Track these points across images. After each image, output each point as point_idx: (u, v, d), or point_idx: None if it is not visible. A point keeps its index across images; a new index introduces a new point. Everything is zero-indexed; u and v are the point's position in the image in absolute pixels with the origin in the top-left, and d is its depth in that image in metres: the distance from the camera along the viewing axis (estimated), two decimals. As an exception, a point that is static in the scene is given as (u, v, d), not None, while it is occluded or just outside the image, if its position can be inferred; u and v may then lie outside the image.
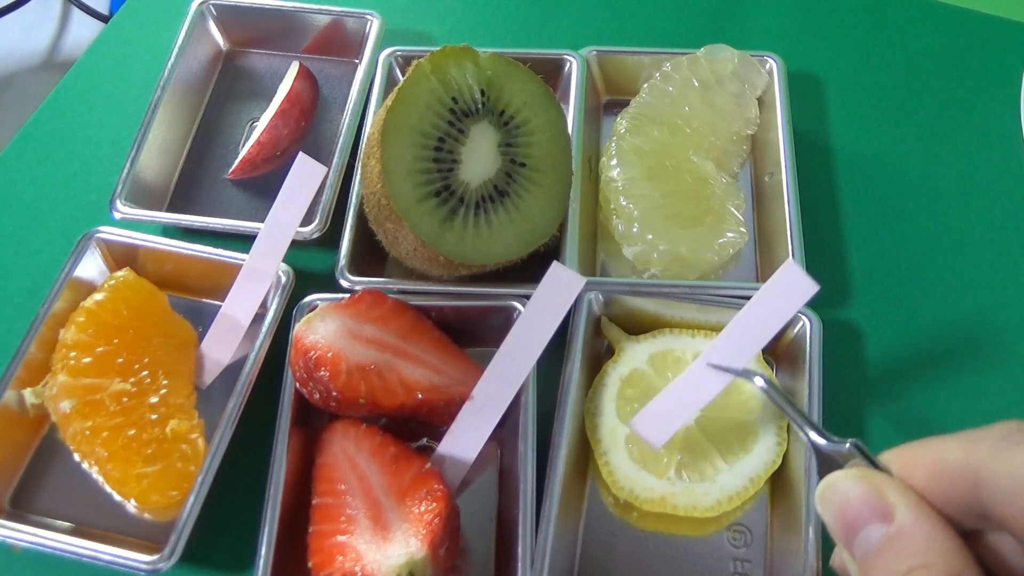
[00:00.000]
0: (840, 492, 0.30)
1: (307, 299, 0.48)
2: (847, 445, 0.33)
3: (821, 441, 0.34)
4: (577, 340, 0.46)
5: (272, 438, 0.44)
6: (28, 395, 0.46)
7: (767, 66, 0.58)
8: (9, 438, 0.46)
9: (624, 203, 0.51)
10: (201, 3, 0.62)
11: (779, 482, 0.44)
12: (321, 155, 0.51)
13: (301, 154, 0.46)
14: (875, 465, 0.31)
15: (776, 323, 0.41)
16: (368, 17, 0.61)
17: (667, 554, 0.43)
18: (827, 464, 0.33)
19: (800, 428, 0.36)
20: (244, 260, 0.48)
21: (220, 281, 0.50)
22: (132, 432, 0.44)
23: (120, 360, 0.46)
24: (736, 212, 0.52)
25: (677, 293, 0.48)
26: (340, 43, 0.63)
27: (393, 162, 0.44)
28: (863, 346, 0.50)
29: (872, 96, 0.61)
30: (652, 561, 0.43)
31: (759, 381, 0.41)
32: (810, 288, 0.40)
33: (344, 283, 0.49)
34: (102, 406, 0.44)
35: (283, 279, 0.49)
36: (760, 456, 0.44)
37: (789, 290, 0.40)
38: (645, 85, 0.57)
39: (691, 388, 0.43)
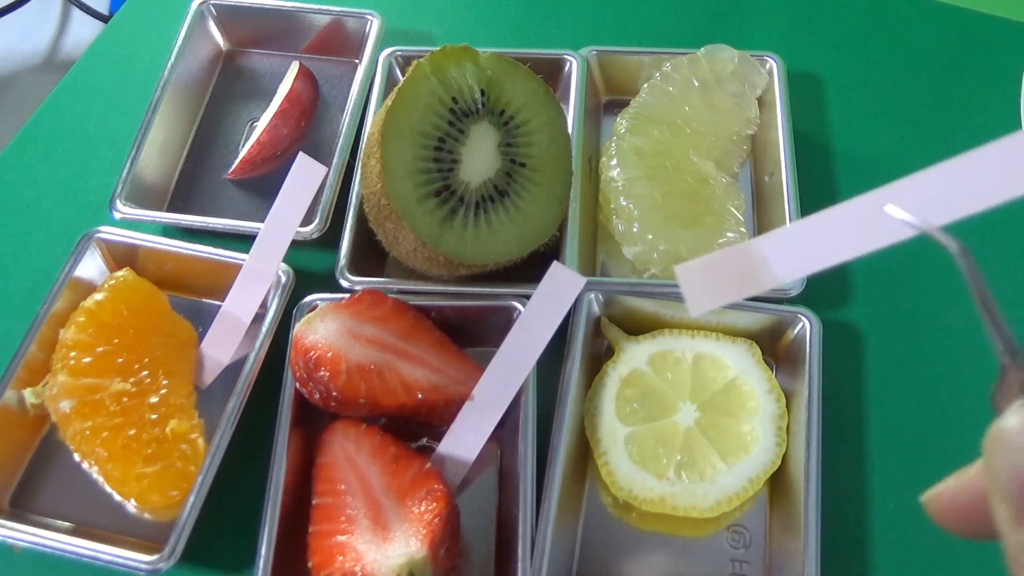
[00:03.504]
0: (1012, 448, 0.20)
1: (307, 299, 0.48)
2: None
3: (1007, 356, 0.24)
4: (577, 340, 0.46)
5: (272, 438, 0.44)
6: (28, 395, 0.46)
7: (767, 66, 0.58)
8: (9, 438, 0.46)
9: (624, 203, 0.51)
10: (201, 3, 0.62)
11: (778, 483, 0.44)
12: (321, 155, 0.51)
13: (301, 154, 0.46)
14: None
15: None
16: (368, 17, 0.61)
17: (666, 554, 0.43)
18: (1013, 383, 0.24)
19: (988, 332, 0.26)
20: (244, 260, 0.48)
21: (220, 281, 0.50)
22: (132, 432, 0.44)
23: (120, 360, 0.46)
24: (736, 212, 0.52)
25: (677, 293, 0.48)
26: (340, 43, 0.63)
27: (393, 162, 0.44)
28: (863, 346, 0.50)
29: (872, 96, 0.61)
30: (651, 561, 0.43)
31: (953, 247, 0.28)
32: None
33: (344, 283, 0.49)
34: (102, 406, 0.44)
35: (283, 279, 0.49)
36: (759, 457, 0.44)
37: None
38: (645, 85, 0.57)
39: (851, 225, 0.31)
